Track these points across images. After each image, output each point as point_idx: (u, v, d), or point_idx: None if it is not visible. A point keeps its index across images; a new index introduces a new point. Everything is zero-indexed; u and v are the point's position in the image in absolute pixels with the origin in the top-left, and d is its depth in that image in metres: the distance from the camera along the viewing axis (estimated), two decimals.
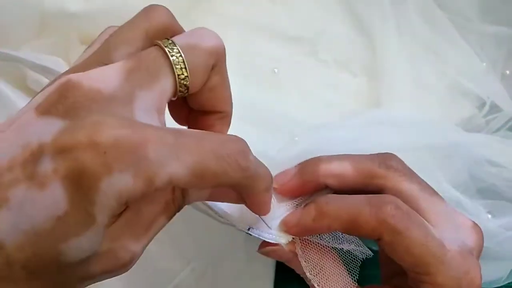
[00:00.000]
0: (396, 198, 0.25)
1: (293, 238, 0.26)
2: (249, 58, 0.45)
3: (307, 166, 0.27)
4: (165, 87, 0.20)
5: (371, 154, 0.27)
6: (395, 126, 0.37)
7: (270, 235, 0.26)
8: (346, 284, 0.26)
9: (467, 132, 0.40)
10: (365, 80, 0.45)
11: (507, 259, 0.38)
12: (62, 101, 0.18)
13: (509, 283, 0.38)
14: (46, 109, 0.18)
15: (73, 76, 0.19)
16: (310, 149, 0.31)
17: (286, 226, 0.26)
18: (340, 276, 0.26)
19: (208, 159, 0.19)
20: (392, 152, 0.28)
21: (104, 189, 0.16)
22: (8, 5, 0.34)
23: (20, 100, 0.33)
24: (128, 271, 0.34)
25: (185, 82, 0.21)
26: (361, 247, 0.26)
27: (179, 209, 0.22)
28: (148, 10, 0.22)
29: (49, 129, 0.17)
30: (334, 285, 0.26)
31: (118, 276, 0.36)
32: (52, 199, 0.16)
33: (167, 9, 0.23)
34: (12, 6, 0.35)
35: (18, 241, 0.17)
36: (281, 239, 0.26)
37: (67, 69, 0.33)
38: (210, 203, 0.26)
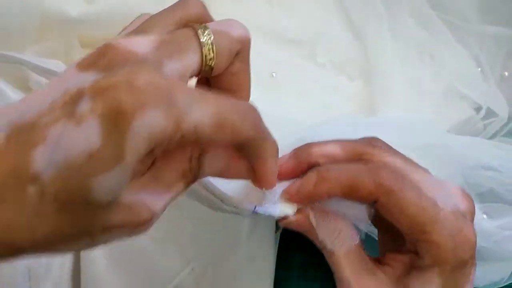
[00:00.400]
0: (391, 151, 0.28)
1: (300, 208, 0.28)
2: None
3: (300, 149, 0.29)
4: (191, 62, 0.22)
5: (358, 138, 0.30)
6: (388, 127, 0.37)
7: (277, 209, 0.27)
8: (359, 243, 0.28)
9: (459, 136, 0.40)
10: (362, 83, 0.46)
11: (508, 260, 0.38)
12: (101, 58, 0.20)
13: (510, 283, 0.38)
14: (87, 65, 0.20)
15: (112, 40, 0.21)
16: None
17: (288, 194, 0.28)
18: (354, 237, 0.28)
19: (228, 111, 0.20)
20: None
21: (137, 127, 0.18)
22: (9, 9, 0.35)
23: (18, 98, 0.33)
24: (128, 271, 0.35)
25: (210, 63, 0.23)
26: (362, 211, 0.28)
27: (195, 178, 0.24)
28: (184, 1, 0.25)
29: (88, 79, 0.19)
30: (351, 245, 0.28)
31: (118, 276, 0.37)
32: (87, 134, 0.17)
33: (201, 1, 0.25)
34: (13, 10, 0.35)
35: (52, 174, 0.18)
36: (287, 209, 0.28)
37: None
38: (214, 189, 0.27)
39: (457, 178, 0.38)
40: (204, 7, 0.25)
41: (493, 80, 0.45)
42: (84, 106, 0.18)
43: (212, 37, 0.23)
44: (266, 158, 0.24)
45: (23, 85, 0.34)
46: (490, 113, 0.44)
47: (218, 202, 0.28)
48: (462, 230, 0.27)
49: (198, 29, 0.23)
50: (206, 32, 0.23)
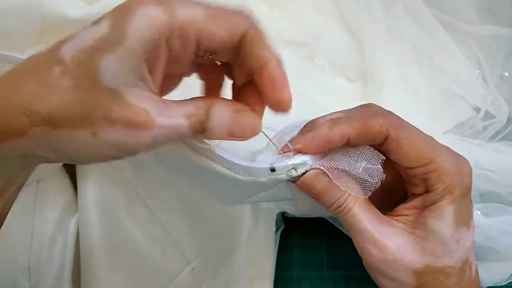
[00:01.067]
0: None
1: (318, 165, 0.28)
2: None
3: (306, 124, 0.31)
4: None
5: (357, 107, 0.32)
6: None
7: (295, 159, 0.28)
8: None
9: (451, 136, 0.40)
10: (360, 85, 0.46)
11: (508, 260, 0.38)
12: None
13: (510, 283, 0.39)
14: None
15: None
16: None
17: (303, 142, 0.29)
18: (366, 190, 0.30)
19: (219, 8, 0.24)
20: None
21: (137, 15, 0.22)
22: (9, 11, 0.35)
23: None
24: (128, 271, 0.35)
25: None
26: (374, 164, 0.29)
27: (200, 126, 0.24)
28: None
29: None
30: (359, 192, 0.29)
31: (118, 276, 0.37)
32: (99, 27, 0.22)
33: None
34: (14, 12, 0.35)
35: (72, 56, 0.22)
36: (305, 158, 0.28)
37: None
38: (228, 162, 0.27)
39: None
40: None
41: (493, 81, 0.45)
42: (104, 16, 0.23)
43: None
44: (268, 56, 0.25)
45: None
46: (489, 114, 0.44)
47: (232, 174, 0.28)
48: (459, 158, 0.30)
49: None
50: None
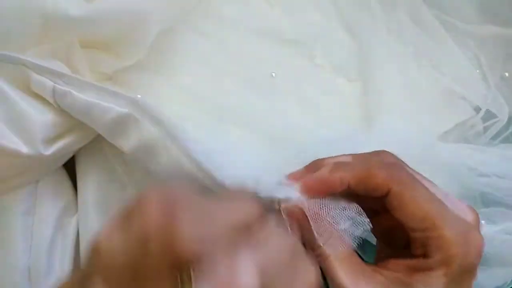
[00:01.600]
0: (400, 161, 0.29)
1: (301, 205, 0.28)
2: (247, 61, 0.45)
3: (314, 161, 0.30)
4: None
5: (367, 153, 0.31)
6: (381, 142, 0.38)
7: (281, 191, 0.28)
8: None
9: (449, 144, 0.41)
10: (361, 85, 0.46)
11: (510, 265, 0.38)
12: None
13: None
14: None
15: None
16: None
17: (303, 182, 0.28)
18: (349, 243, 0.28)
19: None
20: None
21: None
22: (10, 10, 0.35)
23: (20, 99, 0.34)
24: None
25: None
26: (362, 218, 0.28)
27: None
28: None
29: None
30: (344, 250, 0.28)
31: None
32: None
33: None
34: (15, 11, 0.35)
35: None
36: (290, 193, 0.28)
37: (70, 73, 0.34)
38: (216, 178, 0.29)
39: (453, 186, 0.38)
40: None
41: (493, 82, 0.45)
42: None
43: None
44: None
45: (24, 86, 0.35)
46: (490, 115, 0.45)
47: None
48: (470, 232, 0.27)
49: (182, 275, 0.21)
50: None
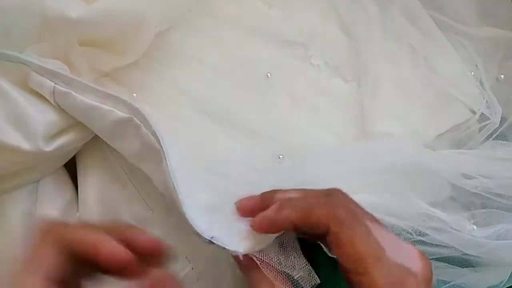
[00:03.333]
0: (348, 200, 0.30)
1: (250, 254, 0.30)
2: (243, 60, 0.46)
3: (267, 192, 0.32)
4: None
5: (318, 190, 0.31)
6: (372, 152, 0.39)
7: (232, 243, 0.30)
8: None
9: (436, 151, 0.42)
10: (355, 85, 0.47)
11: (505, 265, 0.39)
12: None
13: (509, 287, 0.40)
14: None
15: None
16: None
17: (252, 221, 0.30)
18: None
19: None
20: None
21: None
22: (10, 10, 0.35)
23: (21, 97, 0.34)
24: None
25: None
26: (310, 273, 0.30)
27: None
28: None
29: None
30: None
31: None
32: None
33: None
34: (14, 12, 0.35)
35: None
36: (239, 248, 0.30)
37: (69, 72, 0.34)
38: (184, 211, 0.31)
39: (444, 191, 0.39)
40: None
41: (488, 84, 0.46)
42: None
43: None
44: None
45: (24, 84, 0.35)
46: (484, 116, 0.45)
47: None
48: (406, 280, 0.27)
49: None
50: None
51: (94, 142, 0.38)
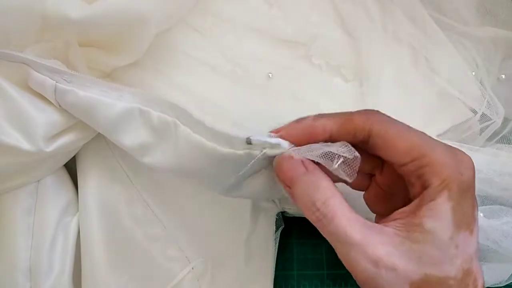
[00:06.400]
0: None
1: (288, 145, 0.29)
2: (244, 61, 0.46)
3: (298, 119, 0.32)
4: None
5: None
6: None
7: (271, 139, 0.29)
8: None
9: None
10: (357, 85, 0.47)
11: (509, 261, 0.39)
12: None
13: (510, 283, 0.40)
14: None
15: None
16: None
17: (287, 130, 0.30)
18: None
19: None
20: None
21: None
22: (10, 10, 0.35)
23: (20, 97, 0.34)
24: (129, 270, 0.36)
25: None
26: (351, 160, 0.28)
27: None
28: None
29: None
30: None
31: (119, 276, 0.37)
32: None
33: None
34: (14, 12, 0.35)
35: None
36: (283, 141, 0.29)
37: (68, 70, 0.34)
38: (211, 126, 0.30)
39: None
40: None
41: (489, 84, 0.46)
42: None
43: None
44: None
45: (24, 84, 0.35)
46: (486, 116, 0.45)
47: (211, 145, 0.30)
48: (457, 152, 0.28)
49: None
50: None
51: (94, 142, 0.39)
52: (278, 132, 0.30)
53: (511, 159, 0.41)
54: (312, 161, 0.29)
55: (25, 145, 0.34)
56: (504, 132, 0.44)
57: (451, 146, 0.29)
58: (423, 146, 0.28)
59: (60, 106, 0.35)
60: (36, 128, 0.34)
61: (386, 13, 0.48)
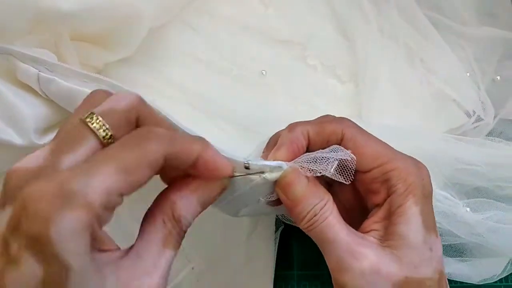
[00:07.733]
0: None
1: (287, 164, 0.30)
2: (239, 59, 0.46)
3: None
4: (89, 148, 0.24)
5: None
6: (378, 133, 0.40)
7: (270, 162, 0.29)
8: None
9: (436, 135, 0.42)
10: (352, 87, 0.48)
11: (500, 255, 0.40)
12: (4, 190, 0.23)
13: (501, 278, 0.41)
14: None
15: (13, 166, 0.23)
16: None
17: (273, 152, 0.31)
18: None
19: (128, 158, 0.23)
20: None
21: (56, 237, 0.20)
22: (2, 4, 0.34)
23: (10, 92, 0.34)
24: None
25: (112, 140, 0.24)
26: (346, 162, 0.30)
27: (180, 235, 0.27)
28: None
29: (3, 220, 0.22)
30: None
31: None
32: (29, 269, 0.21)
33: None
34: (7, 5, 0.35)
35: None
36: (281, 162, 0.29)
37: (57, 61, 0.33)
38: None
39: (437, 176, 0.40)
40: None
41: (483, 85, 0.47)
42: (13, 247, 0.21)
43: (100, 119, 0.24)
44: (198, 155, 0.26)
45: (14, 78, 0.35)
46: (478, 117, 0.46)
47: None
48: (417, 161, 0.31)
49: (85, 118, 0.24)
50: (94, 117, 0.24)
51: None
52: (269, 151, 0.31)
53: (497, 150, 0.42)
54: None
55: (17, 139, 0.33)
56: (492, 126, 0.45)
57: (409, 156, 0.31)
58: (389, 154, 0.30)
59: (46, 96, 0.35)
60: (27, 122, 0.33)
61: (382, 14, 0.49)
